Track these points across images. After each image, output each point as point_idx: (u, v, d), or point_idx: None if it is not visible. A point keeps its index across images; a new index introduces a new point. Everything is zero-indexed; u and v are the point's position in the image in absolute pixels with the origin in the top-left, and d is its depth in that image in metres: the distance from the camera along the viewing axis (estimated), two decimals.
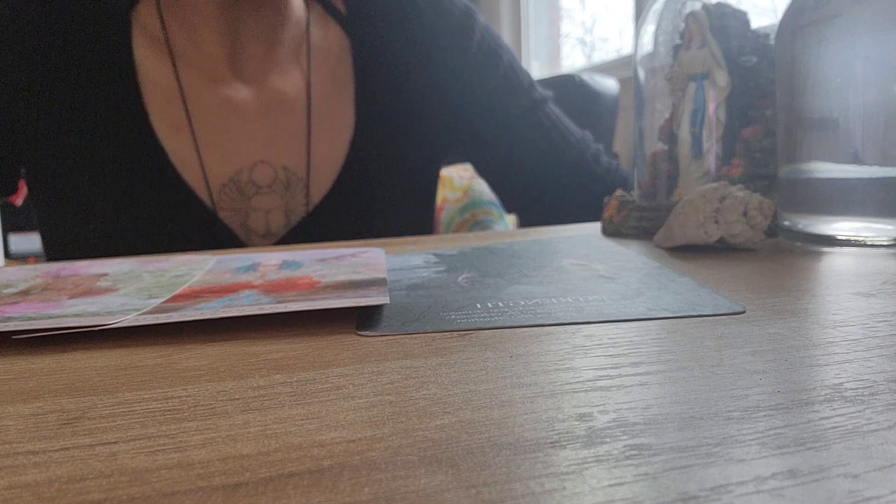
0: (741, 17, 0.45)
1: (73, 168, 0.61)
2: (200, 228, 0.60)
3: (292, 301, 0.27)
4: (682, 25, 0.46)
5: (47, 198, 0.63)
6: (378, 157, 0.66)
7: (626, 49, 2.59)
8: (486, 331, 0.24)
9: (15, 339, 0.25)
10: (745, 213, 0.39)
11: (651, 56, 0.48)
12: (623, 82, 1.32)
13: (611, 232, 0.49)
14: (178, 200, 0.60)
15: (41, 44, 0.60)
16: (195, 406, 0.18)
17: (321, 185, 0.64)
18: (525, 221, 0.78)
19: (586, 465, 0.14)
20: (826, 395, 0.17)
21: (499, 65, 0.71)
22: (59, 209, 0.63)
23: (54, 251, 0.65)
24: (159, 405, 0.18)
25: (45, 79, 0.60)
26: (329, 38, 0.66)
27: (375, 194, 0.66)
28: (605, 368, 0.19)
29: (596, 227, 0.53)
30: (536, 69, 3.02)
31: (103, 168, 0.60)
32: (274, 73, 0.64)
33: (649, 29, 0.48)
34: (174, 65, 0.61)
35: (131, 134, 0.60)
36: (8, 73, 0.61)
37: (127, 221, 0.60)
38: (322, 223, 0.63)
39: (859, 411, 0.16)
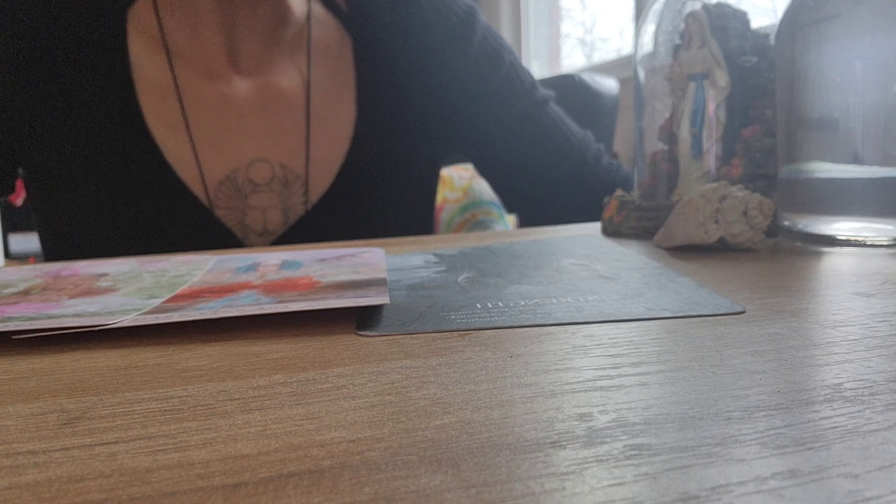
0: (741, 17, 0.45)
1: (68, 167, 0.61)
2: (197, 227, 0.60)
3: (292, 301, 0.27)
4: (682, 25, 0.46)
5: (44, 197, 0.63)
6: (378, 155, 0.66)
7: (626, 49, 2.59)
8: (486, 331, 0.24)
9: (15, 339, 0.25)
10: (745, 213, 0.39)
11: (651, 56, 0.48)
12: (623, 82, 1.32)
13: (611, 232, 0.49)
14: (173, 199, 0.60)
15: (37, 42, 0.60)
16: (195, 406, 0.18)
17: (320, 183, 0.63)
18: (526, 221, 0.78)
19: (586, 465, 0.14)
20: (826, 395, 0.17)
21: (500, 64, 0.71)
22: (56, 209, 0.63)
23: (52, 251, 0.65)
24: (159, 405, 0.18)
25: (41, 77, 0.60)
26: (330, 35, 0.66)
27: (375, 194, 0.66)
28: (605, 368, 0.19)
29: (596, 227, 0.53)
30: (536, 69, 3.02)
31: (98, 167, 0.60)
32: (273, 69, 0.64)
33: (649, 29, 0.48)
34: (170, 62, 0.61)
35: (125, 132, 0.60)
36: (3, 72, 0.61)
37: (123, 220, 0.60)
38: (321, 222, 0.63)
39: (859, 411, 0.16)
